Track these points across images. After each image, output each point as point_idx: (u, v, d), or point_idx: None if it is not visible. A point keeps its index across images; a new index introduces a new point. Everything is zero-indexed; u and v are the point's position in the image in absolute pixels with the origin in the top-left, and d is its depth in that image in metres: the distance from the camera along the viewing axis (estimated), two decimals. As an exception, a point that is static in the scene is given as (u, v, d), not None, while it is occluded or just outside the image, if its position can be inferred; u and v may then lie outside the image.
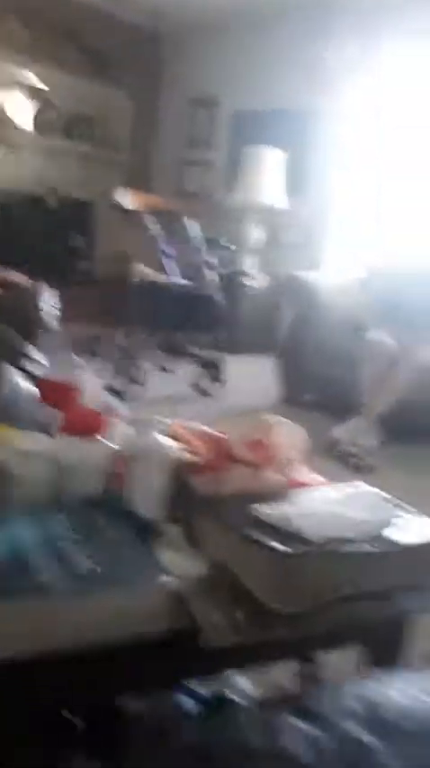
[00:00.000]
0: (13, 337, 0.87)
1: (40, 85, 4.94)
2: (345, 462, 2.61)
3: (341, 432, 2.78)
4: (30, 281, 1.64)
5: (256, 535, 0.76)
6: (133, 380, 3.59)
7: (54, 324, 1.62)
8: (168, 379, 4.10)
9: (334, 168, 4.88)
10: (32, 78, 4.49)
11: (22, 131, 4.87)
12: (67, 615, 0.60)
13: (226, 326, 4.15)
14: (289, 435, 0.98)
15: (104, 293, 5.12)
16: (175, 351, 4.32)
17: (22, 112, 4.92)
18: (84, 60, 5.11)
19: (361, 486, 0.97)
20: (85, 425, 0.85)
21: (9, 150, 4.77)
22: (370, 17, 4.35)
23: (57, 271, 5.17)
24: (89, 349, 4.04)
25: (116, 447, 0.83)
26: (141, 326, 4.40)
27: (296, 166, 4.75)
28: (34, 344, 1.09)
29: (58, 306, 1.69)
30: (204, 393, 3.84)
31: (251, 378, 4.14)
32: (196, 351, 4.25)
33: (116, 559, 0.66)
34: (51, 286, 1.72)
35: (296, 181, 4.78)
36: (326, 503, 0.88)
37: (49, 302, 1.63)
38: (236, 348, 4.53)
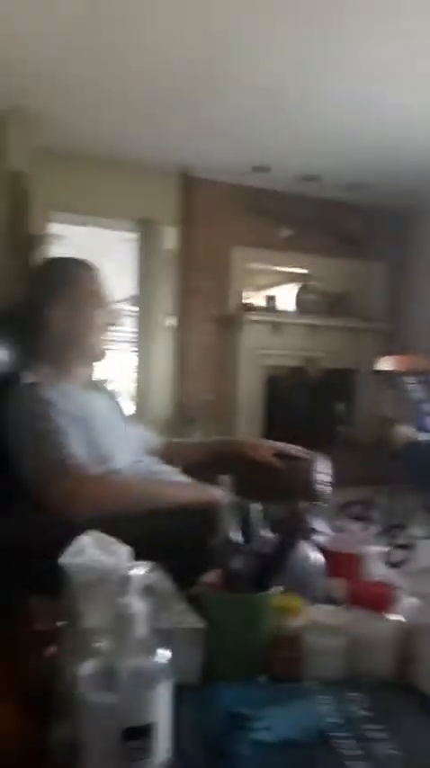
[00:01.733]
0: (303, 511, 0.94)
1: (302, 271, 5.54)
2: None
3: None
4: (306, 452, 1.74)
5: None
6: (402, 546, 3.44)
7: (329, 492, 1.67)
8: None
9: None
10: (293, 266, 5.01)
11: (286, 313, 5.42)
12: None
13: None
14: None
15: (368, 457, 5.14)
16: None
17: (288, 298, 5.50)
18: (340, 244, 5.61)
19: None
20: (372, 598, 0.85)
21: (276, 331, 5.32)
22: None
23: (322, 438, 5.38)
24: (355, 514, 4.02)
25: (404, 621, 0.82)
26: (407, 489, 4.27)
27: None
28: (311, 514, 1.14)
29: (330, 474, 1.74)
30: None
31: None
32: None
33: (414, 745, 0.63)
34: (313, 450, 1.80)
35: None
36: None
37: (323, 471, 1.70)
38: None
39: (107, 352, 1.59)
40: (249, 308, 5.23)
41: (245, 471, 1.25)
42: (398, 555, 3.49)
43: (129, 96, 3.75)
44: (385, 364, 4.20)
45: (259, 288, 5.49)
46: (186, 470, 1.57)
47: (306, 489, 1.59)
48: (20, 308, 1.56)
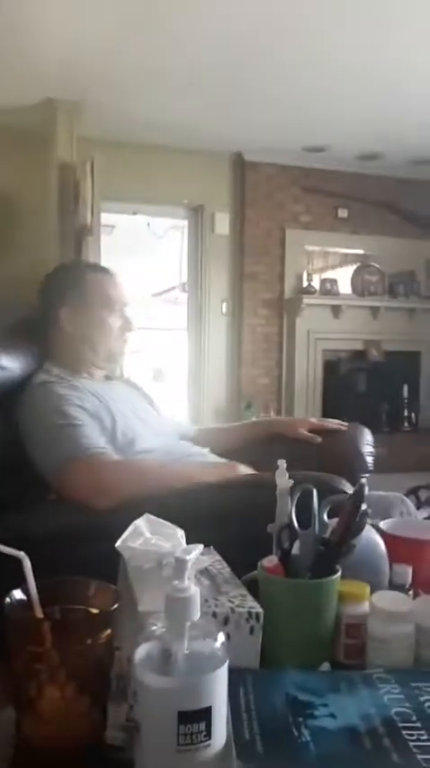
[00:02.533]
0: (362, 493, 0.90)
1: (361, 252, 5.40)
2: None
3: None
4: (347, 425, 1.69)
5: None
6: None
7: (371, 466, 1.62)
8: None
9: None
10: (351, 248, 4.88)
11: (345, 296, 5.31)
12: None
13: None
14: None
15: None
16: None
17: (347, 280, 5.38)
18: (400, 223, 5.45)
19: None
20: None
21: (334, 314, 5.22)
22: None
23: (386, 422, 5.27)
24: (418, 499, 3.91)
25: None
26: None
27: None
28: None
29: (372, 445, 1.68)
30: None
31: None
32: None
33: None
34: (376, 434, 1.75)
35: None
36: None
37: (367, 442, 1.65)
38: None
39: (124, 354, 1.60)
40: (306, 291, 5.15)
41: (286, 450, 1.23)
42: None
43: (178, 84, 3.73)
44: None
45: (317, 270, 5.40)
46: (229, 454, 1.56)
47: (351, 460, 1.55)
48: (35, 310, 1.58)
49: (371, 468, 1.62)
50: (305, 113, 4.19)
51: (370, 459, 1.63)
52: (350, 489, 1.21)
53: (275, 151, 4.89)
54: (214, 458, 1.53)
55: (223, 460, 1.51)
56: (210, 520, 1.06)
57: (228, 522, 1.16)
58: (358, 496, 0.85)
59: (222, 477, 1.33)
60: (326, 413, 5.00)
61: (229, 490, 1.28)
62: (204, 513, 1.11)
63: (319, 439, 1.63)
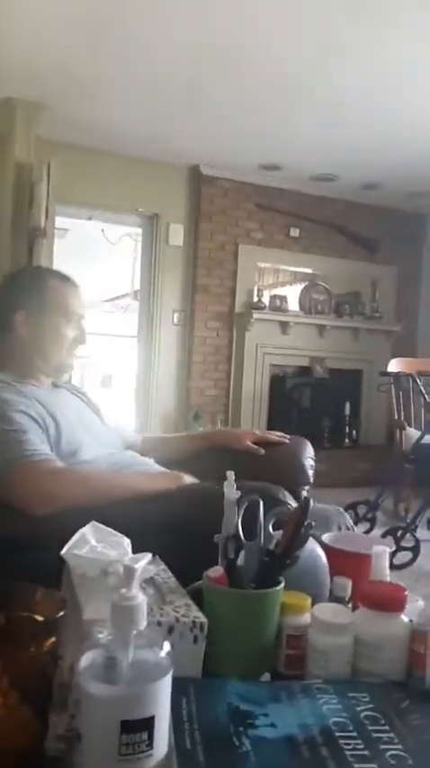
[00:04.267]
0: (308, 506, 0.92)
1: (310, 271, 5.51)
2: None
3: None
4: (289, 438, 1.72)
5: None
6: (407, 548, 3.42)
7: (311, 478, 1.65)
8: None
9: None
10: (301, 266, 4.97)
11: (294, 313, 5.40)
12: None
13: None
14: None
15: (373, 458, 5.12)
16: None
17: (296, 298, 5.48)
18: (349, 245, 5.59)
19: None
20: (381, 598, 0.83)
21: (282, 330, 5.30)
22: None
23: (328, 438, 5.37)
24: (356, 514, 4.00)
25: (415, 622, 0.80)
26: (413, 491, 4.25)
27: None
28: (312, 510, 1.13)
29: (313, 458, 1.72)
30: None
31: None
32: None
33: (422, 747, 0.62)
34: (317, 449, 1.79)
35: None
36: None
37: (310, 458, 1.68)
38: None
39: (73, 366, 1.58)
40: (256, 306, 5.21)
41: (230, 461, 1.25)
42: (403, 557, 3.49)
43: (141, 93, 3.74)
44: (393, 366, 4.17)
45: (267, 286, 5.47)
46: (174, 464, 1.57)
47: (293, 472, 1.58)
48: None
49: (311, 481, 1.65)
50: (262, 132, 4.26)
51: (310, 473, 1.66)
52: (292, 501, 1.23)
53: (232, 167, 4.95)
54: (158, 468, 1.53)
55: (167, 471, 1.50)
56: (155, 529, 1.06)
57: (172, 531, 1.16)
58: (304, 509, 0.87)
59: (167, 486, 1.33)
60: (271, 426, 5.06)
61: (174, 500, 1.28)
62: (149, 523, 1.11)
63: (263, 451, 1.65)
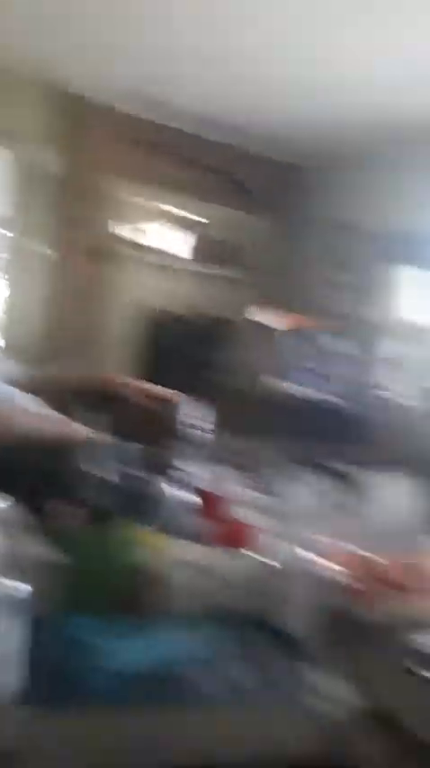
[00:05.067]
0: (161, 451, 0.92)
1: (189, 215, 5.45)
2: None
3: None
4: (172, 393, 1.71)
5: (416, 668, 0.71)
6: (270, 492, 3.58)
7: (198, 435, 1.67)
8: (305, 493, 4.04)
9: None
10: (186, 212, 4.92)
11: (168, 255, 5.34)
12: (216, 730, 0.59)
13: (365, 441, 4.07)
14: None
15: (241, 406, 5.27)
16: (312, 464, 4.26)
17: (171, 240, 5.40)
18: (231, 192, 5.57)
19: None
20: (234, 537, 0.85)
21: (156, 272, 5.23)
22: None
23: (197, 385, 5.43)
24: (225, 460, 4.12)
25: (266, 561, 0.83)
26: (278, 439, 4.43)
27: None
28: (180, 455, 1.13)
29: (204, 418, 1.73)
30: (343, 509, 3.73)
31: (391, 496, 3.97)
32: (334, 465, 4.18)
33: (267, 678, 0.64)
34: (193, 399, 1.78)
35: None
36: None
37: (193, 414, 1.69)
38: (374, 464, 4.39)
39: None
40: (134, 245, 5.09)
41: (116, 410, 1.21)
42: (265, 500, 3.65)
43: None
44: (265, 318, 4.27)
45: (147, 226, 5.35)
46: (55, 404, 1.50)
47: (172, 430, 1.57)
48: None
49: (201, 442, 1.65)
50: (150, 58, 4.07)
51: (198, 432, 1.65)
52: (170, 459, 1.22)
53: (118, 94, 4.71)
54: (47, 410, 1.43)
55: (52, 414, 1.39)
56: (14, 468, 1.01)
57: (30, 470, 1.11)
58: (154, 454, 0.87)
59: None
60: (138, 371, 5.03)
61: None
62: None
63: (155, 405, 1.60)
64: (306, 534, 0.87)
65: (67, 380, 1.76)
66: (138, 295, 5.16)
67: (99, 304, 5.06)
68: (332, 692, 0.67)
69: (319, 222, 5.70)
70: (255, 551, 0.85)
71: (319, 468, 4.30)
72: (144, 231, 5.29)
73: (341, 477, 4.11)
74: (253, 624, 0.76)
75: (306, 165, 5.77)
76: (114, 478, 0.87)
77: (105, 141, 4.89)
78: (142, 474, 0.88)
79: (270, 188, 5.70)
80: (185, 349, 5.57)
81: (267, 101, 4.45)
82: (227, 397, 5.48)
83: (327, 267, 5.73)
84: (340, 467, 4.21)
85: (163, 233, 5.42)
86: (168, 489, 0.97)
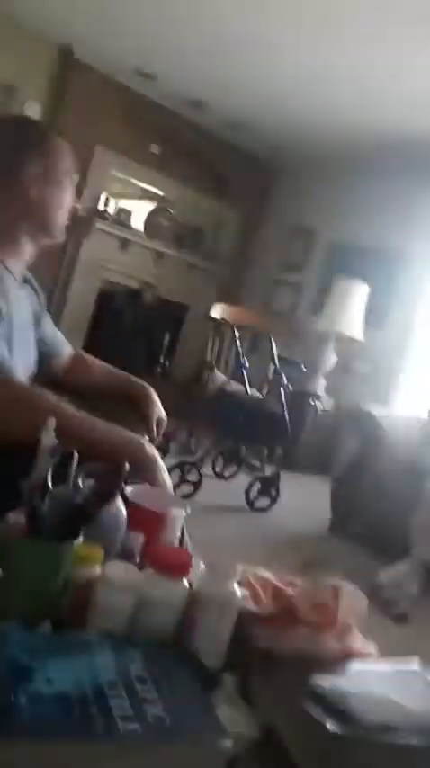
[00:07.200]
0: (124, 466, 0.95)
1: (161, 193, 5.40)
2: (386, 610, 2.59)
3: (387, 577, 2.78)
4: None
5: (310, 708, 0.77)
6: (192, 483, 3.66)
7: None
8: (224, 487, 4.14)
9: (414, 309, 5.02)
10: (153, 186, 4.83)
11: (136, 232, 5.28)
12: (130, 761, 0.63)
13: (288, 443, 4.19)
14: (353, 601, 1.00)
15: (180, 393, 5.30)
16: (235, 460, 4.36)
17: (141, 216, 5.35)
18: (205, 179, 5.55)
19: (414, 666, 0.97)
20: (167, 562, 0.88)
21: (121, 247, 5.17)
22: None
23: (139, 362, 5.43)
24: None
25: (193, 588, 0.87)
26: (208, 431, 4.50)
27: (379, 302, 4.91)
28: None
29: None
30: (256, 506, 3.86)
31: (304, 497, 4.14)
32: (256, 463, 4.30)
33: (182, 710, 0.69)
34: (129, 371, 1.81)
35: (376, 315, 4.92)
36: (382, 683, 0.89)
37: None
38: (293, 465, 4.54)
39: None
40: (100, 215, 5.01)
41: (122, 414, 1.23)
42: (186, 489, 3.71)
43: None
44: (218, 310, 4.31)
45: (115, 197, 5.27)
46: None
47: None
48: None
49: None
50: (144, 34, 4.01)
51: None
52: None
53: (108, 62, 4.61)
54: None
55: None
56: None
57: None
58: (118, 468, 0.90)
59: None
60: (89, 342, 5.00)
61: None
62: None
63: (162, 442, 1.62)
64: (234, 563, 0.91)
65: (106, 373, 1.73)
66: (98, 266, 5.10)
67: (59, 270, 4.98)
68: (235, 724, 0.72)
69: (281, 223, 5.78)
70: (183, 576, 0.89)
71: (240, 463, 4.40)
72: (117, 203, 5.23)
73: (260, 475, 4.23)
74: (171, 651, 0.81)
75: (279, 165, 5.82)
76: (65, 487, 0.90)
77: (92, 105, 4.79)
78: (93, 485, 0.91)
79: (246, 183, 5.73)
80: (136, 327, 5.56)
81: (259, 97, 4.47)
82: (164, 379, 5.51)
83: (282, 268, 5.82)
84: (260, 465, 4.34)
85: (135, 208, 5.38)
86: (119, 503, 0.99)
